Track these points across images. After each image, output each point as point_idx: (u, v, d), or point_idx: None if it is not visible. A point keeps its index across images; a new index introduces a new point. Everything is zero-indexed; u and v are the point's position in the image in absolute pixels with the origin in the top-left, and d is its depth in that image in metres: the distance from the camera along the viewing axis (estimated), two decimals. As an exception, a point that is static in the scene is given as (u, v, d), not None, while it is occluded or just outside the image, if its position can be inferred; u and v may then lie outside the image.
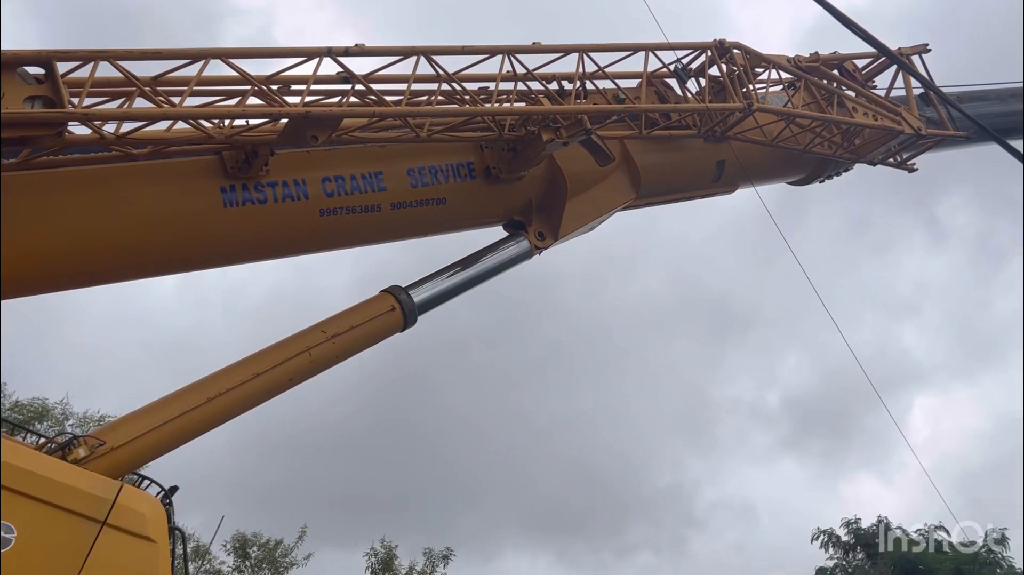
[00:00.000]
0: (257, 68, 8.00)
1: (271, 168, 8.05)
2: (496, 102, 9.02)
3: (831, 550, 22.64)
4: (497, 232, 10.41)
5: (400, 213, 9.00)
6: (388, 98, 8.48)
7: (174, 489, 7.01)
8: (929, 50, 13.19)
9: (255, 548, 29.37)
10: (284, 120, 7.75)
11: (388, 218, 8.92)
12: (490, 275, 9.93)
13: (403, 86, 8.60)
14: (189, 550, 8.17)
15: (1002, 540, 20.27)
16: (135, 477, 7.05)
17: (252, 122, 7.75)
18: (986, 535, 20.87)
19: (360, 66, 8.31)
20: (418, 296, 9.06)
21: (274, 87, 7.94)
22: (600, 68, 9.99)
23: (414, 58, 8.48)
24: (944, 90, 14.09)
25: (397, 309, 8.82)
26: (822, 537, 22.88)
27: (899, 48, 13.05)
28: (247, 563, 29.21)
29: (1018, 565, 20.48)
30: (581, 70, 9.79)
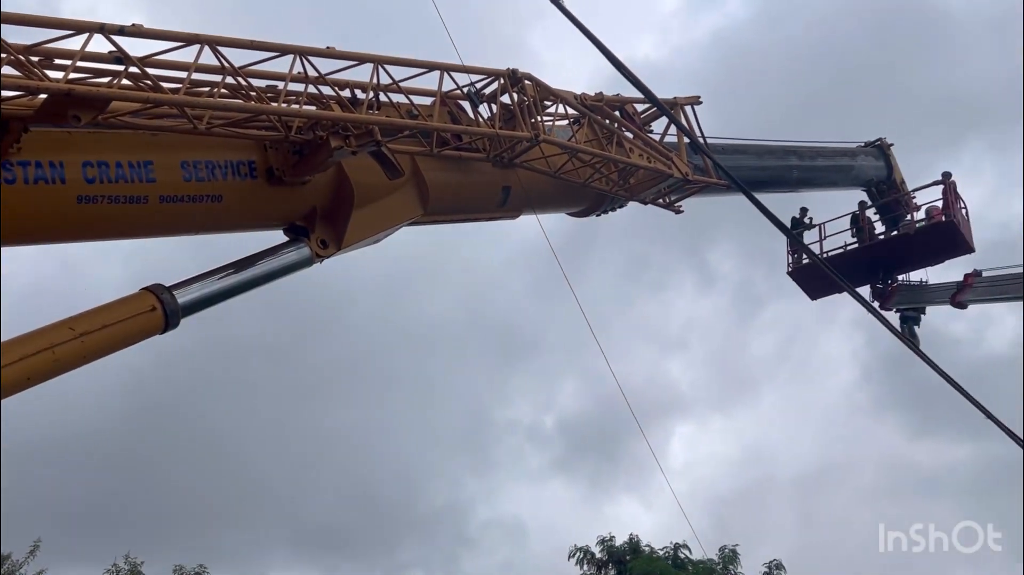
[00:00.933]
0: (17, 36, 7.29)
1: (24, 146, 7.31)
2: (284, 102, 8.75)
3: (586, 566, 23.80)
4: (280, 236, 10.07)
5: (170, 207, 8.45)
6: (166, 85, 8.00)
7: None
8: (700, 102, 14.30)
9: (-26, 565, 26.25)
10: (43, 96, 7.10)
11: (156, 211, 8.34)
12: (265, 280, 9.54)
13: (184, 74, 8.14)
14: None
15: (734, 557, 22.24)
16: None
17: (5, 94, 7.03)
18: (721, 551, 22.81)
19: (138, 48, 7.80)
20: (183, 297, 8.51)
21: (34, 59, 7.25)
22: (395, 82, 9.98)
23: (198, 46, 8.06)
24: (710, 141, 15.35)
25: (158, 309, 8.24)
26: (578, 554, 23.98)
27: (675, 97, 14.07)
28: (-36, 582, 26.06)
29: (746, 579, 22.56)
30: (376, 81, 9.73)
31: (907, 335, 19.83)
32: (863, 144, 21.66)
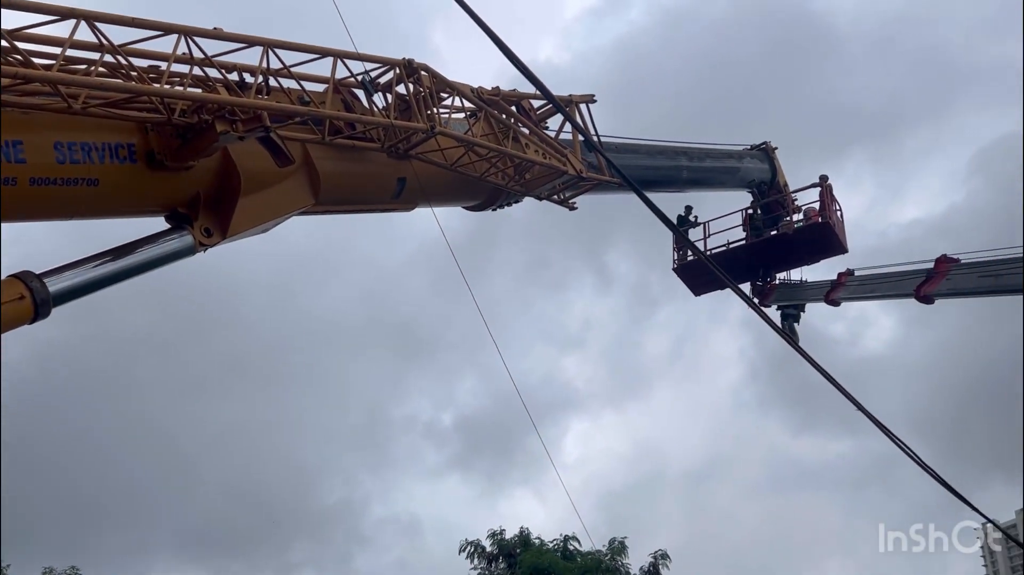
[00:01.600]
0: None
1: None
2: (167, 83, 8.41)
3: (476, 560, 23.86)
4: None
5: (41, 190, 7.98)
6: (38, 61, 7.56)
7: None
8: (594, 101, 14.52)
9: None
10: None
11: (26, 194, 7.86)
12: (145, 269, 9.13)
13: (58, 50, 7.71)
14: None
15: (622, 549, 22.73)
16: None
17: None
18: (610, 543, 23.25)
19: (7, 20, 7.34)
20: (55, 285, 8.06)
21: None
22: (285, 67, 9.73)
23: (73, 21, 7.65)
24: (604, 140, 15.60)
25: (27, 298, 7.79)
26: (469, 548, 24.00)
27: (570, 95, 14.24)
28: None
29: (634, 571, 23.06)
30: (265, 65, 9.46)
31: (787, 331, 20.69)
32: (749, 147, 22.44)
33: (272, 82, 9.73)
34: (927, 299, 15.61)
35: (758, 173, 21.55)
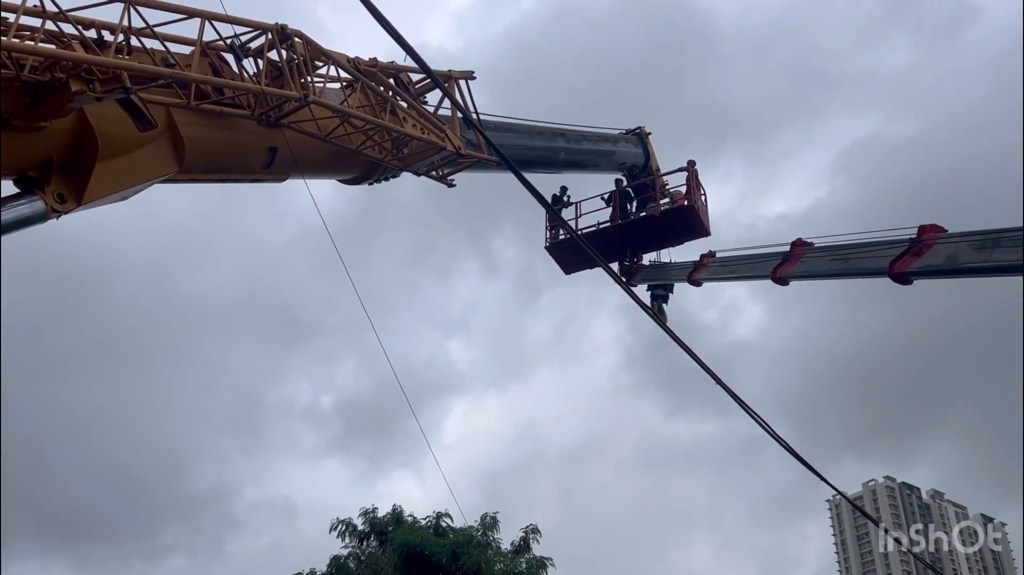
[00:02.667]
0: None
1: None
2: (16, 37, 7.85)
3: (347, 539, 23.64)
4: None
5: None
6: None
7: None
8: (474, 78, 14.48)
9: None
10: None
11: None
12: (-11, 236, 8.56)
13: None
14: None
15: (493, 524, 22.98)
16: None
17: None
18: (482, 519, 23.49)
19: None
20: None
21: None
22: (148, 26, 9.25)
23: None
24: (484, 118, 15.62)
25: None
26: (340, 527, 23.75)
27: (450, 71, 14.16)
28: None
29: (504, 546, 23.40)
30: (127, 23, 8.97)
31: (656, 312, 21.37)
32: (624, 131, 22.97)
33: (134, 42, 9.24)
34: (782, 280, 16.32)
35: (632, 157, 22.12)
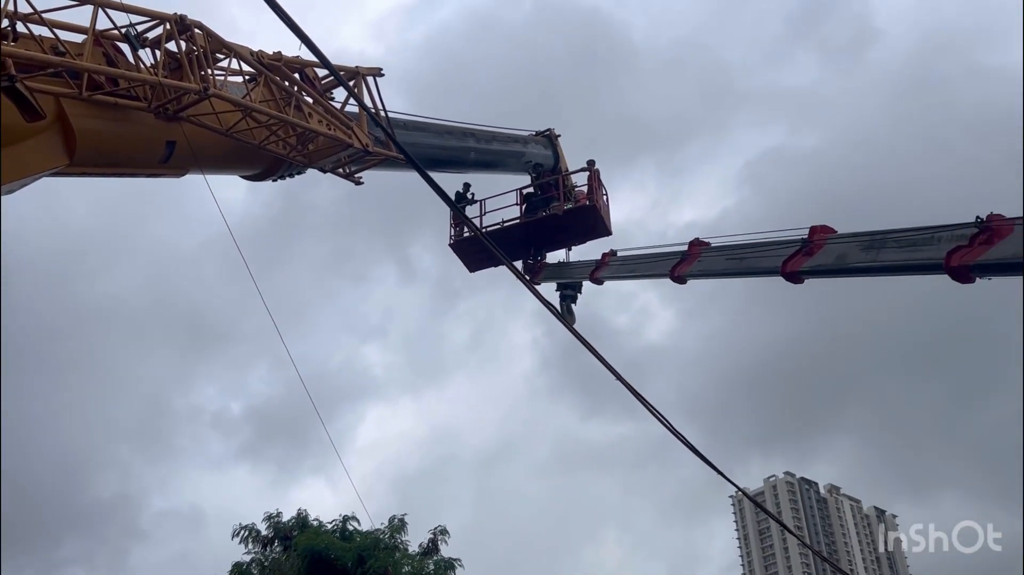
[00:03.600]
0: None
1: None
2: None
3: (251, 545, 23.07)
4: None
5: None
6: None
7: None
8: (382, 74, 14.33)
9: None
10: None
11: None
12: None
13: None
14: None
15: (401, 526, 22.80)
16: None
17: None
18: (390, 521, 23.28)
19: None
20: None
21: None
22: (37, 12, 8.88)
23: None
24: (393, 116, 15.49)
25: None
26: (243, 533, 23.16)
27: (357, 67, 13.99)
28: None
29: (412, 548, 23.25)
30: (13, 8, 8.59)
31: (564, 312, 21.62)
32: (534, 133, 23.19)
33: (21, 28, 8.86)
34: (680, 279, 16.69)
35: (542, 158, 22.36)
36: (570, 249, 22.31)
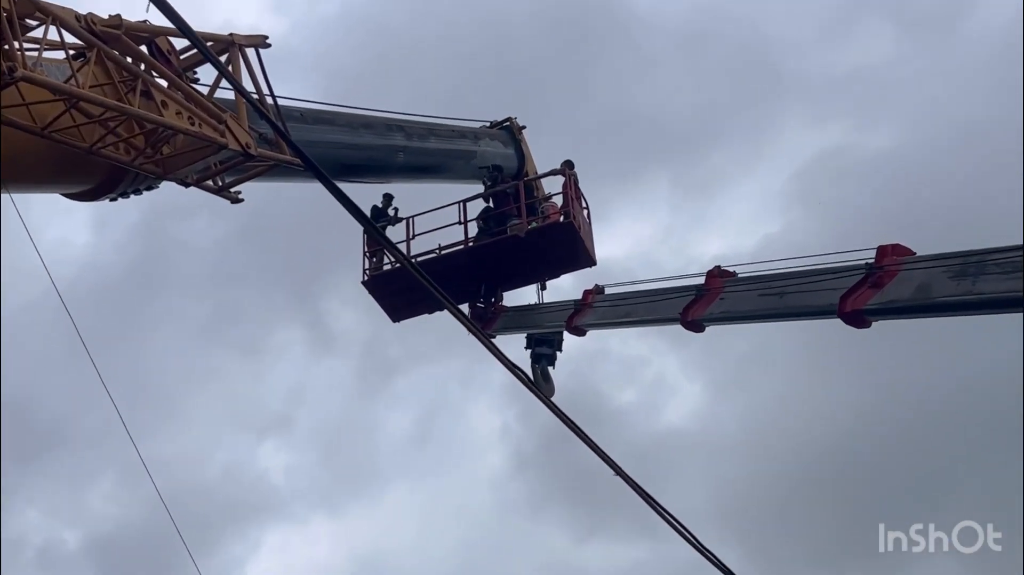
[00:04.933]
0: None
1: None
2: None
3: None
4: None
5: None
6: None
7: None
8: (269, 44, 14.00)
9: None
10: None
11: None
12: None
13: None
14: None
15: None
16: None
17: None
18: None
19: None
20: None
21: None
22: None
23: None
24: (287, 104, 15.16)
25: None
26: None
27: (231, 34, 13.67)
28: None
29: None
30: None
31: (538, 380, 20.89)
32: (489, 124, 22.95)
33: None
34: (696, 325, 15.90)
35: (500, 159, 22.03)
36: (543, 287, 21.82)
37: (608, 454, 10.96)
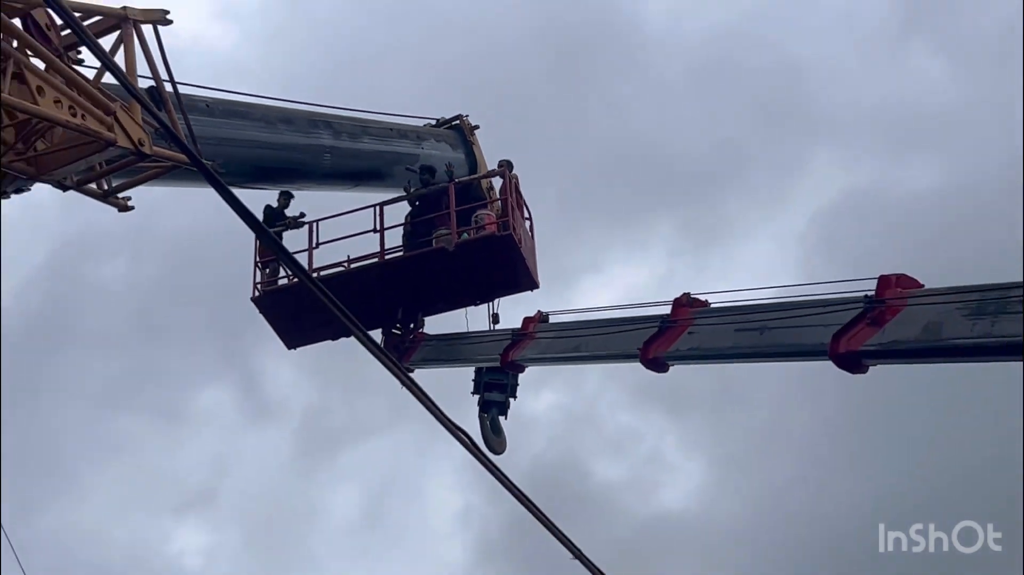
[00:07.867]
0: None
1: None
2: None
3: None
4: None
5: None
6: None
7: None
8: (169, 22, 13.52)
9: None
10: None
11: None
12: None
13: None
14: None
15: None
16: None
17: None
18: None
19: None
20: None
21: None
22: None
23: None
24: (196, 92, 14.61)
25: None
26: None
27: (124, 8, 13.16)
28: None
29: None
30: None
31: (488, 432, 19.88)
32: (435, 123, 22.44)
33: None
34: (658, 364, 15.09)
35: (448, 162, 21.46)
36: (495, 319, 20.93)
37: (577, 537, 10.15)
